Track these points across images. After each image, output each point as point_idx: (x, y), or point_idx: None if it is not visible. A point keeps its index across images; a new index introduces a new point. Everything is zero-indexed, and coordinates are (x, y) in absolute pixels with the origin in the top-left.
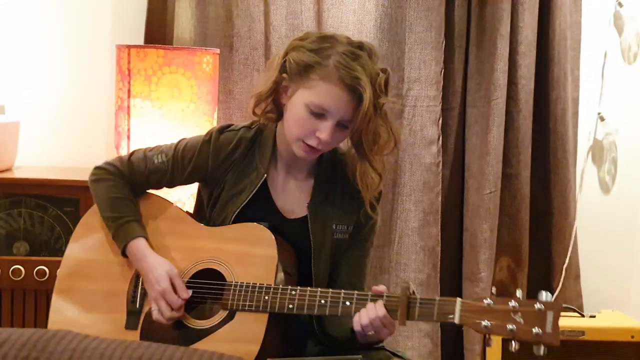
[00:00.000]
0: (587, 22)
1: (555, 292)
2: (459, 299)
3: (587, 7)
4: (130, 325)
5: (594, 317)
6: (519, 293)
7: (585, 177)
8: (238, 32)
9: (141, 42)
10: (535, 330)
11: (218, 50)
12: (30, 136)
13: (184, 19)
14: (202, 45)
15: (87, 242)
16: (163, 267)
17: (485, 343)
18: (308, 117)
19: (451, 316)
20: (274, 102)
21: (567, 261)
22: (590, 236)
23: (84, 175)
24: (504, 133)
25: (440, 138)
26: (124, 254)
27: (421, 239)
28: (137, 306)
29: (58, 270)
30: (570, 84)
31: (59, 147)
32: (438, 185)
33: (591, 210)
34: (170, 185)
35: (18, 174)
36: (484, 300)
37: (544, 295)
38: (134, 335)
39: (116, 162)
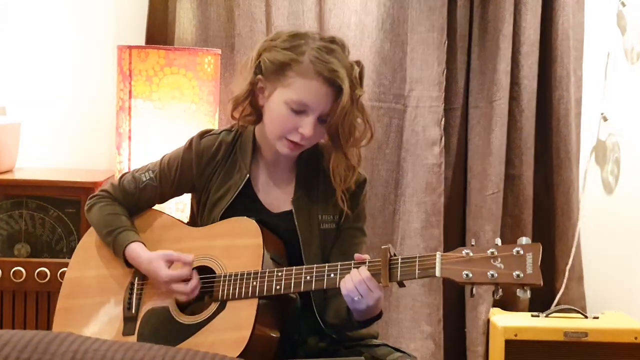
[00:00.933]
0: (590, 22)
1: (558, 293)
2: (438, 253)
3: (590, 7)
4: (127, 331)
5: (598, 318)
6: (497, 241)
7: (588, 177)
8: (239, 33)
9: (142, 42)
10: (516, 272)
11: (219, 51)
12: (32, 137)
13: (185, 20)
14: (204, 45)
15: (85, 262)
16: (156, 257)
17: (470, 294)
18: (289, 114)
19: (432, 270)
20: (251, 104)
21: (570, 262)
22: (594, 237)
23: (85, 177)
24: (507, 134)
25: (443, 139)
26: (127, 264)
27: (423, 240)
28: (133, 312)
29: (60, 292)
30: (573, 84)
31: (60, 148)
32: (440, 186)
33: (594, 211)
34: (162, 200)
35: (19, 175)
36: (463, 251)
37: (524, 240)
38: (132, 341)
39: (108, 187)
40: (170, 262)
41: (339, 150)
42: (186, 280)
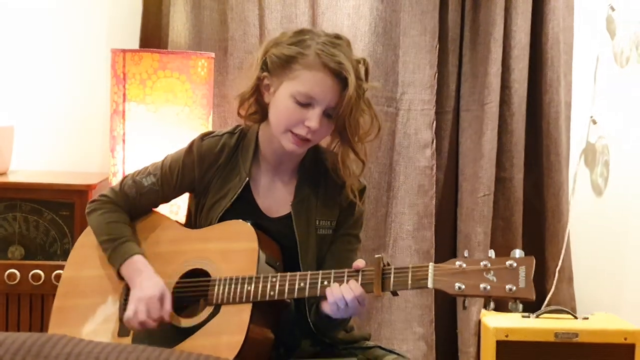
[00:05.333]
0: (580, 26)
1: (548, 294)
2: (431, 264)
3: (579, 11)
4: (122, 332)
5: (587, 319)
6: (491, 253)
7: (578, 180)
8: (233, 36)
9: (136, 46)
10: (509, 286)
11: (213, 54)
12: (25, 140)
13: (179, 23)
14: (197, 49)
15: (82, 261)
16: (159, 285)
17: (463, 306)
18: (295, 107)
19: (424, 281)
20: (257, 101)
21: (560, 264)
22: (583, 239)
23: (79, 180)
24: (498, 136)
25: (434, 141)
26: (119, 274)
27: (415, 242)
28: None
29: (56, 291)
30: (563, 88)
31: (53, 151)
32: (432, 188)
33: (584, 213)
34: (165, 201)
35: (13, 178)
36: (456, 262)
37: (517, 253)
38: (127, 342)
39: (109, 193)
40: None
41: (346, 145)
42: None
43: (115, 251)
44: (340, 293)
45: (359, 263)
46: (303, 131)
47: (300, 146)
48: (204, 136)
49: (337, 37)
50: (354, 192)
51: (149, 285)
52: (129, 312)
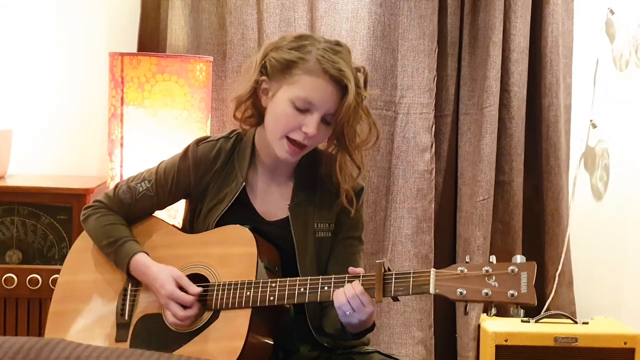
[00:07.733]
0: (579, 29)
1: (548, 298)
2: (433, 269)
3: (579, 15)
4: (120, 337)
5: (587, 323)
6: (492, 258)
7: (577, 183)
8: (231, 40)
9: (134, 49)
10: (511, 291)
11: (211, 58)
12: (23, 144)
13: (177, 27)
14: (196, 53)
15: (78, 266)
16: (166, 272)
17: (464, 312)
18: (293, 112)
19: (426, 286)
20: (253, 105)
21: (560, 268)
22: (583, 243)
23: (77, 184)
24: (497, 140)
25: (434, 145)
26: (129, 274)
27: (414, 246)
28: (126, 318)
29: (52, 296)
30: (563, 91)
31: (52, 155)
32: (431, 192)
33: (584, 217)
34: (159, 208)
35: (11, 181)
36: (458, 268)
37: (518, 258)
38: (125, 347)
39: (103, 198)
40: (177, 284)
41: (344, 151)
42: (185, 307)
43: (118, 255)
44: (344, 297)
45: (357, 269)
46: (299, 136)
47: (293, 155)
48: (199, 141)
49: (338, 44)
50: (349, 198)
51: (163, 282)
52: (170, 319)
